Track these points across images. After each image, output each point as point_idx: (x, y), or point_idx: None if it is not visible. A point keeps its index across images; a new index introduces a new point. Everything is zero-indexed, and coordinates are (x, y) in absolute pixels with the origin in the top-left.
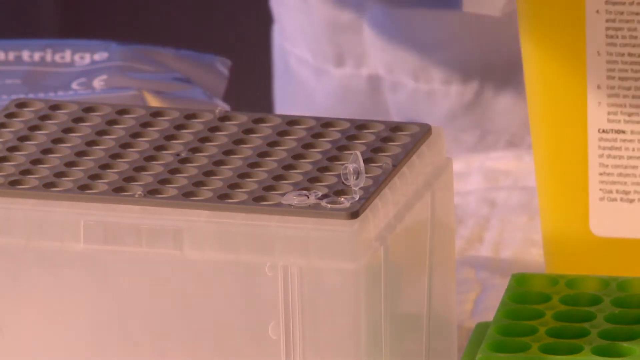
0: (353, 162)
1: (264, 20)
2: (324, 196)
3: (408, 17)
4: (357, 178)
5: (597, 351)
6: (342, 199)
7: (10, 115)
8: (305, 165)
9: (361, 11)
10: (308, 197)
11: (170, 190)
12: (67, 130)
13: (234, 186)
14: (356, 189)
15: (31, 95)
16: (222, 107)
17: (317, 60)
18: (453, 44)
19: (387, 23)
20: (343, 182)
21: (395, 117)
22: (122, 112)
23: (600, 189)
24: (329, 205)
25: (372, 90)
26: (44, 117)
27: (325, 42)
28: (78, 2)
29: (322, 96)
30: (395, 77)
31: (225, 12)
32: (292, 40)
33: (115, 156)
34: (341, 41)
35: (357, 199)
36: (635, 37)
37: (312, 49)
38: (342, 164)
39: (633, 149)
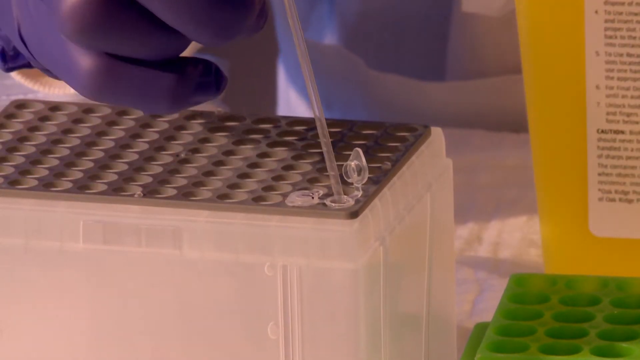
0: (354, 159)
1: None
2: (326, 195)
3: (390, 82)
4: (359, 175)
5: (596, 351)
6: (345, 197)
7: (10, 116)
8: (305, 166)
9: (348, 67)
10: (312, 197)
11: (170, 190)
12: (67, 131)
13: (233, 186)
14: (359, 185)
15: (30, 96)
16: (222, 108)
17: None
18: (435, 115)
19: (370, 83)
20: (345, 180)
21: None
22: (122, 113)
23: (599, 190)
24: (333, 205)
25: None
26: (44, 118)
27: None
28: None
29: None
30: None
31: None
32: (292, 74)
33: (114, 157)
34: (329, 86)
35: (359, 196)
36: (634, 38)
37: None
38: (342, 164)
39: (632, 150)
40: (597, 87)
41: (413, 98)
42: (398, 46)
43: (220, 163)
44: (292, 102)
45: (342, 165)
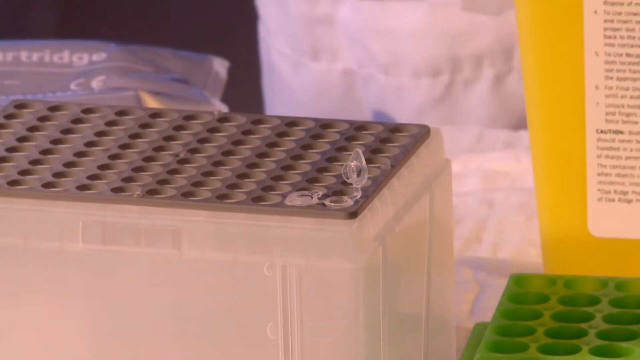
0: (354, 160)
1: None
2: (325, 196)
3: (377, 10)
4: (358, 176)
5: (595, 351)
6: (345, 197)
7: (10, 116)
8: (304, 166)
9: (334, 5)
10: (312, 197)
11: (169, 190)
12: (66, 131)
13: (232, 186)
14: (358, 186)
15: (29, 96)
16: (221, 108)
17: (295, 53)
18: (422, 37)
19: (357, 17)
20: (344, 180)
21: (368, 112)
22: (121, 113)
23: (599, 190)
24: (332, 205)
25: (346, 84)
26: (43, 118)
27: (301, 35)
28: (76, 3)
29: (300, 90)
30: (367, 72)
31: (223, 12)
32: (273, 33)
33: (114, 157)
34: (316, 35)
35: (359, 197)
36: (633, 38)
37: (290, 42)
38: (341, 165)
39: (631, 150)
40: (597, 87)
41: (398, 21)
42: None
43: (219, 163)
44: (273, 62)
45: (342, 165)
